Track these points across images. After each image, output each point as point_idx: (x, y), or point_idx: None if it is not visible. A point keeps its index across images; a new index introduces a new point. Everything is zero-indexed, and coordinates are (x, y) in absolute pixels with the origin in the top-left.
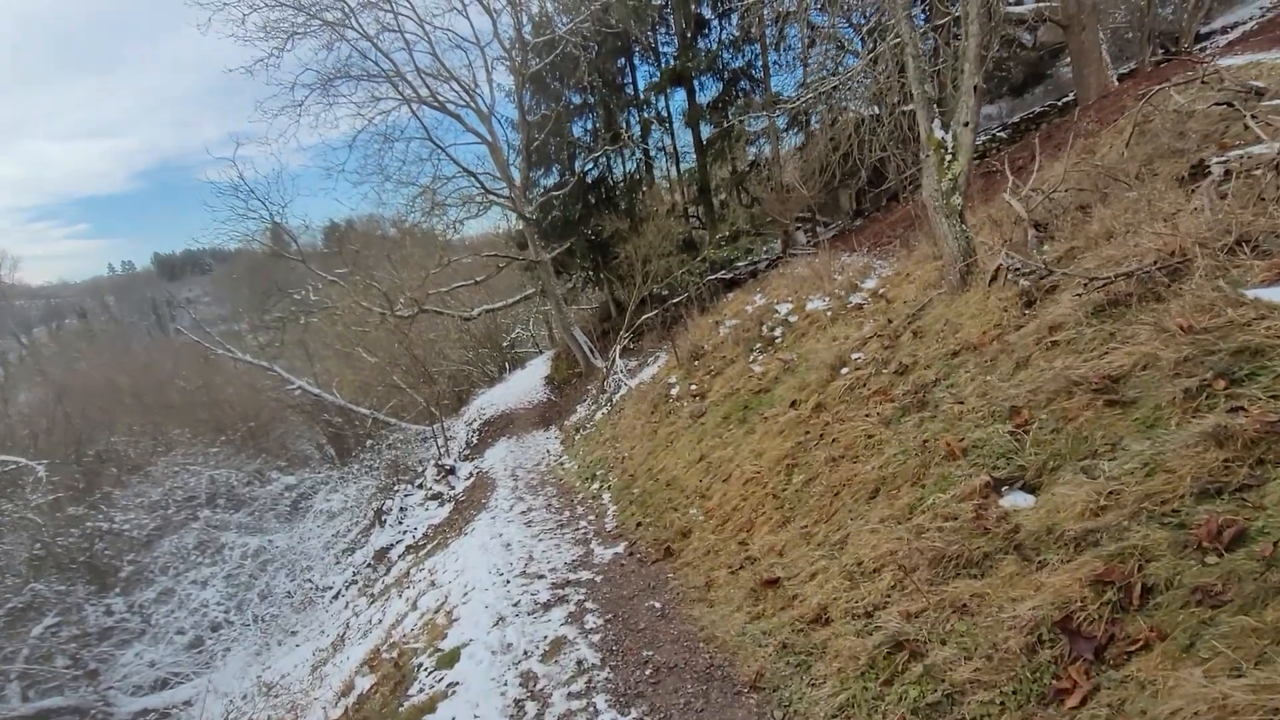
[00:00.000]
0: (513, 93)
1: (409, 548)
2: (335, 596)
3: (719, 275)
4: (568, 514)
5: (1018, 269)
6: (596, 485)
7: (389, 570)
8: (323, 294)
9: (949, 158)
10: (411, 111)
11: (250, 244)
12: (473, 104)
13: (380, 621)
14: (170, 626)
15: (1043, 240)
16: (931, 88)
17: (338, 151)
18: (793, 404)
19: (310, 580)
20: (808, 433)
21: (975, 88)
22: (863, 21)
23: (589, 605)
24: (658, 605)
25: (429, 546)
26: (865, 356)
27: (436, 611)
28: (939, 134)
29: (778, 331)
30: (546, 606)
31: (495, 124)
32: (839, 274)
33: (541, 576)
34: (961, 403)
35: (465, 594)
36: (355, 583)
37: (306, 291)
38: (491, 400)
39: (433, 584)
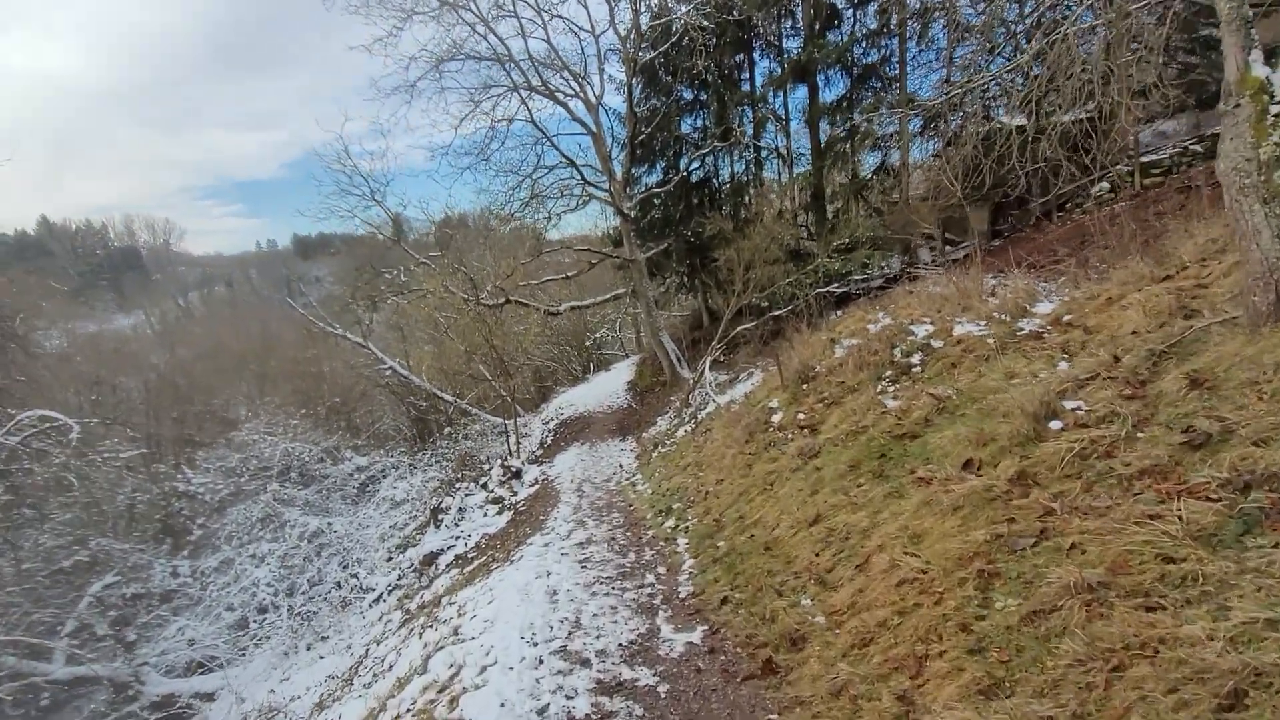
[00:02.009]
0: (622, 84)
1: (458, 557)
2: (376, 600)
3: (829, 289)
4: (633, 557)
5: None
6: (671, 523)
7: (431, 582)
8: (413, 275)
9: (1277, 110)
10: (521, 99)
11: (350, 220)
12: (581, 93)
13: (392, 666)
14: (221, 601)
15: None
16: (1247, 5)
17: (444, 134)
18: (967, 464)
19: (356, 576)
20: (1011, 520)
21: None
22: (1014, 20)
23: None
24: None
25: (474, 565)
26: (1094, 408)
27: (441, 690)
28: (1260, 72)
29: (915, 358)
30: None
31: (601, 114)
32: (991, 295)
33: (585, 663)
34: None
35: (482, 669)
36: (398, 588)
37: (398, 272)
38: (571, 400)
39: (455, 634)
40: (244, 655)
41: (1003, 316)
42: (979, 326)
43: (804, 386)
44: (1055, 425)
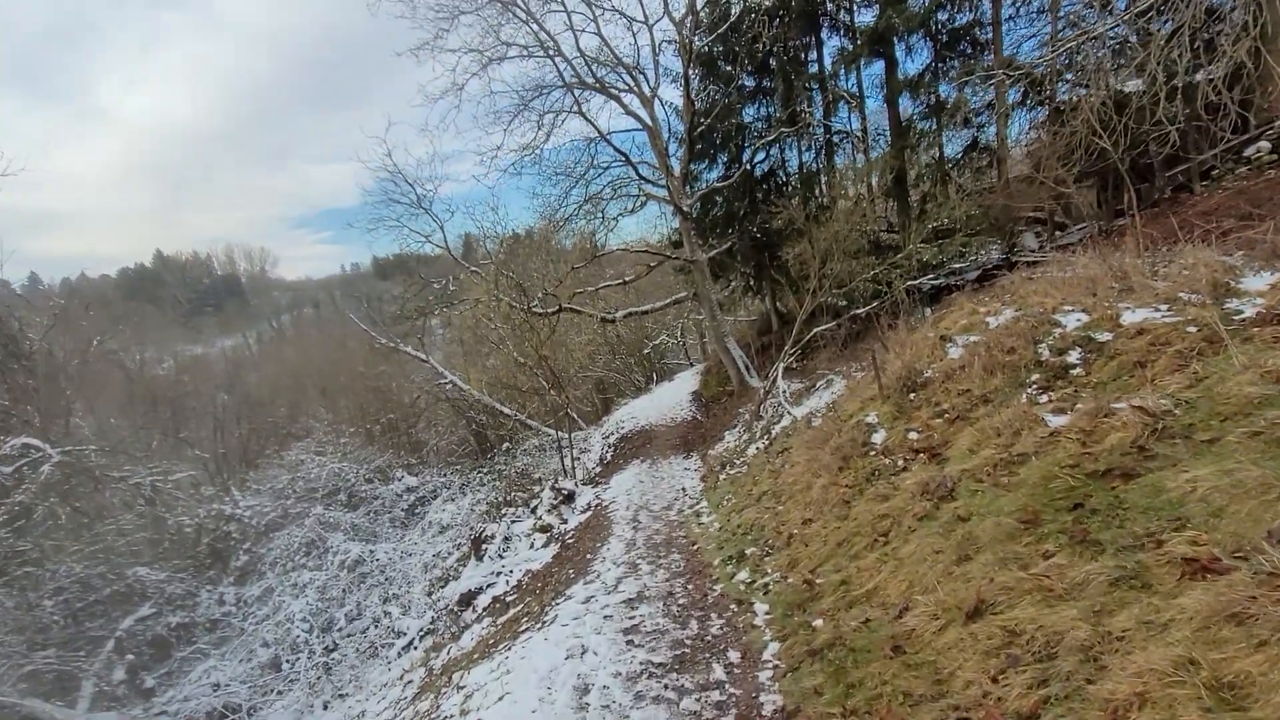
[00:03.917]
0: (678, 76)
1: (495, 599)
2: (406, 646)
3: (920, 281)
4: (694, 628)
5: None
6: (745, 575)
7: (462, 632)
8: (460, 284)
9: None
10: (574, 98)
11: (399, 229)
12: (636, 87)
13: None
14: (257, 636)
15: None
16: None
17: (493, 136)
18: None
19: (389, 614)
20: None
21: None
22: None
23: None
24: None
25: (507, 615)
26: None
27: None
28: None
29: (1073, 355)
30: None
31: (657, 107)
32: (1157, 273)
33: None
34: None
35: None
36: (430, 633)
37: (446, 281)
38: (633, 413)
39: None
40: (266, 701)
41: (1195, 298)
42: (1161, 312)
43: (911, 397)
44: None
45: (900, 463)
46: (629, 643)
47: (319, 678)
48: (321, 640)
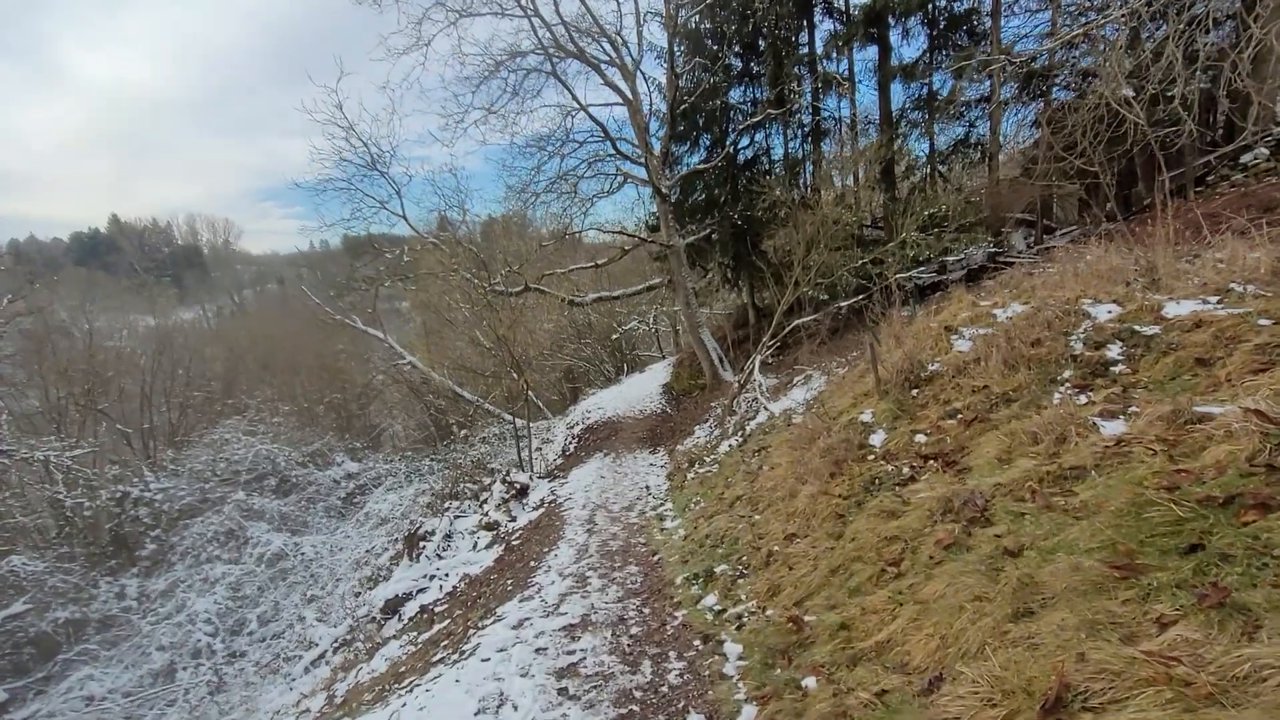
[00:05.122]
0: (663, 52)
1: (423, 609)
2: (316, 660)
3: (910, 274)
4: (648, 674)
5: None
6: (712, 602)
7: (375, 652)
8: (416, 255)
9: None
10: (551, 66)
11: (351, 192)
12: (617, 58)
13: None
14: (153, 639)
15: None
16: None
17: (461, 98)
18: None
19: (304, 618)
20: None
21: None
22: None
23: None
24: None
25: (430, 633)
26: None
27: None
28: None
29: (1113, 350)
30: None
31: (640, 81)
32: (1186, 264)
33: None
34: None
35: None
36: (347, 644)
37: (401, 251)
38: (600, 403)
39: None
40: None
41: (1248, 289)
42: (1211, 305)
43: (914, 393)
44: None
45: (907, 470)
46: (562, 692)
47: (204, 697)
48: (226, 645)
